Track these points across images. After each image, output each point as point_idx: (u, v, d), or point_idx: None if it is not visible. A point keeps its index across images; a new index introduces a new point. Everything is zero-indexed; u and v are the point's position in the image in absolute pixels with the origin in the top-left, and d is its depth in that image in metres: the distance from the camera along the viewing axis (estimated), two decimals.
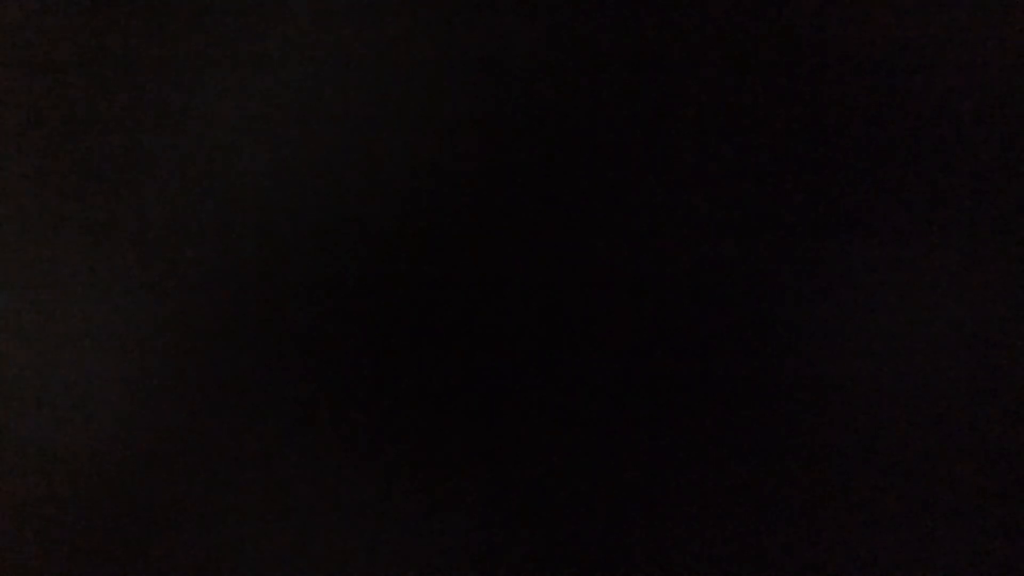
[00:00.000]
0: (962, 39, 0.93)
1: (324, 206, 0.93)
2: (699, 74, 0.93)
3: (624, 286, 0.92)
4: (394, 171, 0.93)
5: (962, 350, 0.92)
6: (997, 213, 0.93)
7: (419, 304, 0.92)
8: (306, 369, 0.92)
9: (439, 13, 0.93)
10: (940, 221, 0.93)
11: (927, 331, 0.92)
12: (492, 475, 0.92)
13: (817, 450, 0.92)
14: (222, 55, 0.93)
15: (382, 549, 0.92)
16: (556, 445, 0.92)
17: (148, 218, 0.93)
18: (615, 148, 0.93)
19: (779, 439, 0.91)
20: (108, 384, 0.92)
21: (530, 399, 0.92)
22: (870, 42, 0.93)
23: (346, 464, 0.92)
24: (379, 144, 0.93)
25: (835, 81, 0.93)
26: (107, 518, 0.92)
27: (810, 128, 0.93)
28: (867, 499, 0.91)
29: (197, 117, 0.93)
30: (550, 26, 0.93)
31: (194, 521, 0.92)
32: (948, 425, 0.92)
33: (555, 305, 0.92)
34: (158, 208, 0.93)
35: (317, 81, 0.93)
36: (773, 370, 0.92)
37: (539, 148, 0.93)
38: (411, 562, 0.92)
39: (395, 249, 0.92)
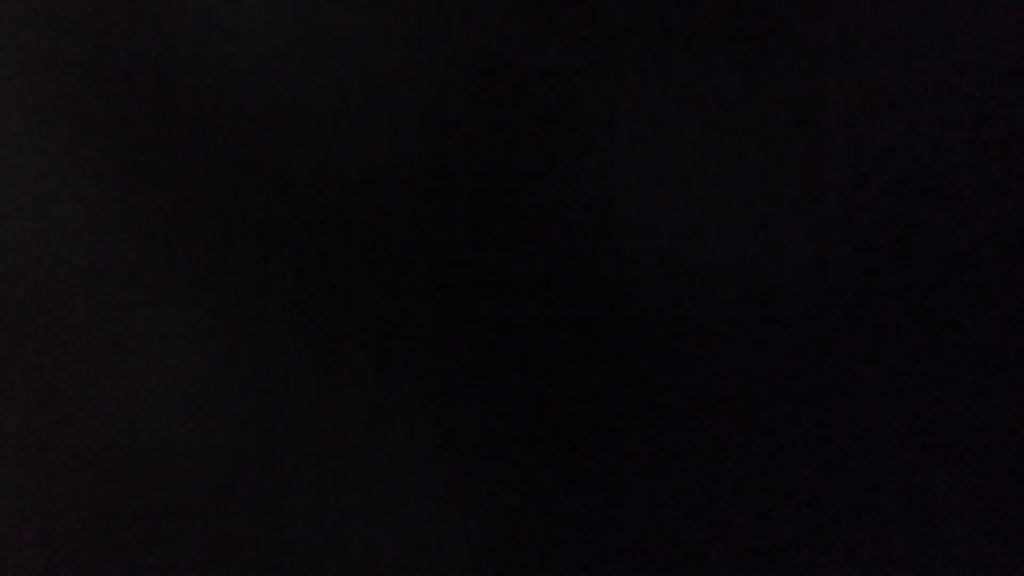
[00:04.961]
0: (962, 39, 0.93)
1: (324, 204, 0.93)
2: (697, 73, 0.93)
3: (624, 285, 0.92)
4: (393, 170, 0.93)
5: (962, 350, 0.92)
6: (997, 213, 0.93)
7: (419, 304, 0.92)
8: (306, 368, 0.92)
9: (438, 13, 0.93)
10: (939, 220, 0.93)
11: (927, 330, 0.92)
12: (492, 475, 0.92)
13: (817, 450, 0.92)
14: (222, 54, 0.93)
15: (383, 549, 0.92)
16: (555, 445, 0.92)
17: (147, 217, 0.93)
18: (614, 147, 0.93)
19: (779, 439, 0.92)
20: (112, 384, 0.92)
21: (530, 399, 0.92)
22: (869, 42, 0.93)
23: (345, 464, 0.92)
24: (378, 143, 0.93)
25: (834, 80, 0.93)
26: (110, 517, 0.92)
27: (809, 127, 0.93)
28: (867, 499, 0.91)
29: (198, 115, 0.93)
30: (549, 26, 0.93)
31: (196, 521, 0.92)
32: (948, 425, 0.92)
33: (555, 305, 0.92)
34: (158, 207, 0.93)
35: (320, 80, 0.93)
36: (773, 370, 0.92)
37: (539, 147, 0.93)
38: (412, 562, 0.92)
39: (397, 248, 0.92)
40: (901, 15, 0.93)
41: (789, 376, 0.92)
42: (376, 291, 0.92)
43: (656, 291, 0.92)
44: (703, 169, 0.93)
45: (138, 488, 0.92)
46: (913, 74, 0.93)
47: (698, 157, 0.93)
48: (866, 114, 0.93)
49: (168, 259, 0.93)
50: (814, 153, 0.93)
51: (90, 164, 0.93)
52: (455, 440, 0.92)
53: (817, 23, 0.93)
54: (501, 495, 0.92)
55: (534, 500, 0.92)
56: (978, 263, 0.92)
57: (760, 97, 0.93)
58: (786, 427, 0.92)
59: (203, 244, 0.93)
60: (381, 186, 0.93)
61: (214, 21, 0.93)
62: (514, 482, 0.92)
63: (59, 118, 0.94)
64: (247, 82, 0.93)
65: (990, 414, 0.92)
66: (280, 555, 0.92)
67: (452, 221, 0.92)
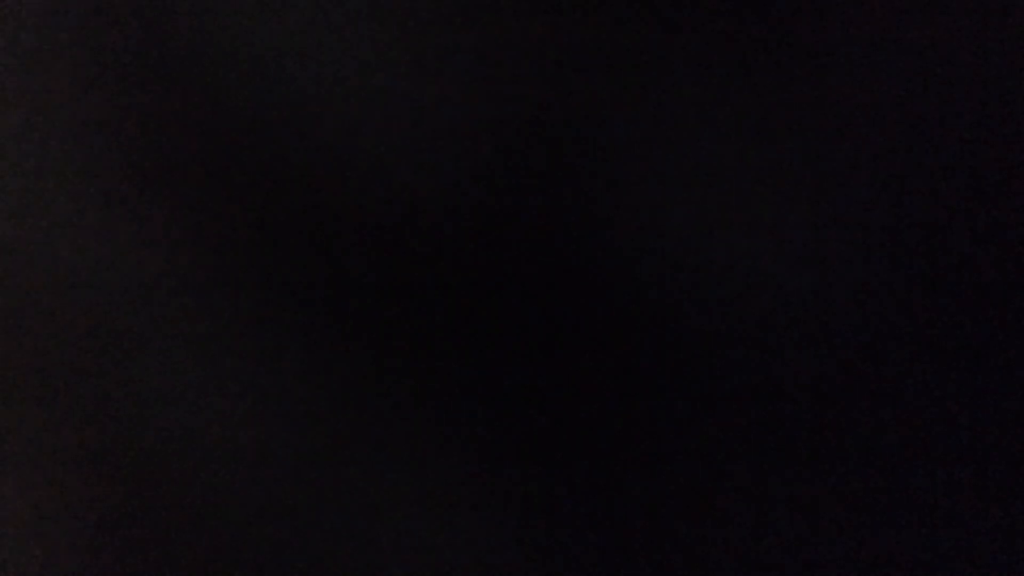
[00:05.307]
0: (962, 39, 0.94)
1: (325, 206, 0.93)
2: (699, 73, 0.93)
3: (624, 285, 0.92)
4: (393, 171, 0.93)
5: (961, 349, 0.92)
6: (997, 213, 0.93)
7: (420, 303, 0.92)
8: (306, 368, 0.92)
9: (438, 13, 0.93)
10: (940, 220, 0.93)
11: (926, 330, 0.92)
12: (493, 475, 0.92)
13: (817, 450, 0.92)
14: (222, 54, 0.94)
15: (383, 549, 0.92)
16: (556, 445, 0.92)
17: (148, 217, 0.93)
18: (615, 147, 0.93)
19: (779, 439, 0.92)
20: (112, 383, 0.92)
21: (531, 399, 0.92)
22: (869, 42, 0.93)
23: (345, 464, 0.92)
24: (378, 144, 0.93)
25: (835, 80, 0.93)
26: (110, 518, 0.92)
27: (811, 128, 0.93)
28: (867, 499, 0.92)
29: (198, 115, 0.93)
30: (549, 26, 0.93)
31: (196, 521, 0.92)
32: (948, 425, 0.92)
33: (556, 305, 0.92)
34: (158, 207, 0.93)
35: (321, 80, 0.93)
36: (773, 370, 0.92)
37: (539, 147, 0.93)
38: (412, 562, 0.92)
39: (397, 248, 0.92)
40: (902, 15, 0.93)
41: (790, 376, 0.92)
42: (377, 291, 0.92)
43: (657, 291, 0.92)
44: (704, 169, 0.93)
45: (139, 488, 0.92)
46: (913, 74, 0.93)
47: (700, 157, 0.93)
48: (868, 114, 0.93)
49: (168, 259, 0.93)
50: (817, 154, 0.93)
51: (90, 164, 0.93)
52: (456, 440, 0.92)
53: (819, 23, 0.93)
54: (502, 495, 0.92)
55: (534, 500, 0.92)
56: (978, 263, 0.92)
57: (763, 98, 0.93)
58: (786, 427, 0.92)
59: (203, 244, 0.93)
60: (381, 186, 0.93)
61: (214, 21, 0.93)
62: (514, 482, 0.92)
63: (59, 118, 0.94)
64: (247, 82, 0.93)
65: (990, 414, 0.92)
66: (280, 555, 0.92)
67: (452, 220, 0.93)
